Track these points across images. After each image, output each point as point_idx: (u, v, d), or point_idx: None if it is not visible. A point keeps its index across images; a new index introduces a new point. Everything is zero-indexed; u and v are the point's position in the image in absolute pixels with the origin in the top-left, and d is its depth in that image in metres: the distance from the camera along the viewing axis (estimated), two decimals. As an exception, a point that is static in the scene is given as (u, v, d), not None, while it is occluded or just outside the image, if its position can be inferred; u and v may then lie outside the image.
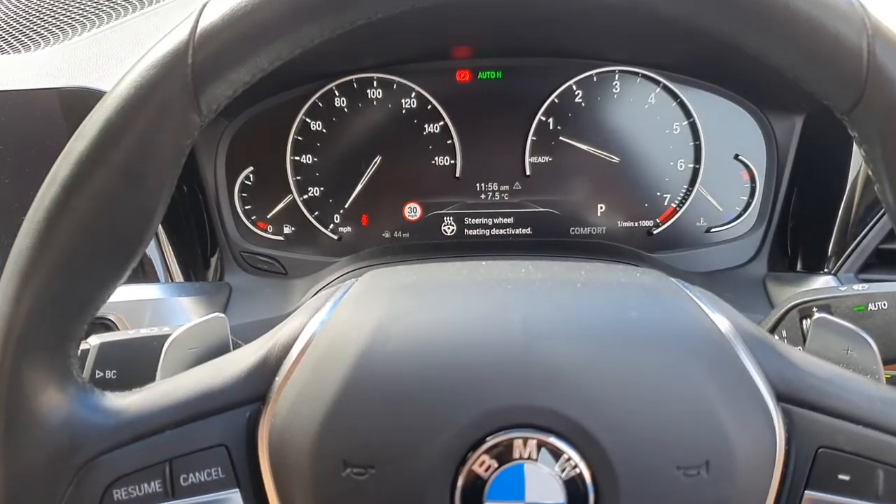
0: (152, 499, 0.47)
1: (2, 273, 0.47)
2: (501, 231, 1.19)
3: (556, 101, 1.15)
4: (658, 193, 1.18)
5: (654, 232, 1.18)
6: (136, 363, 0.66)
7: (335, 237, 1.19)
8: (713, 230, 1.18)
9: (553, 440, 0.43)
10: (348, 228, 1.19)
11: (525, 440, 0.43)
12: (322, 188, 1.18)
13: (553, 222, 1.18)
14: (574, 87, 1.15)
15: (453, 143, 1.16)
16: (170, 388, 0.50)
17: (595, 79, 1.15)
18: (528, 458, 0.43)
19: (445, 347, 0.46)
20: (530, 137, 1.16)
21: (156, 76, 0.45)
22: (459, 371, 0.45)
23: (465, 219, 1.19)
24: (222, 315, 0.61)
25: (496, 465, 0.43)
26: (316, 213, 1.18)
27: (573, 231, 1.18)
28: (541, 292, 0.51)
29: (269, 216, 1.18)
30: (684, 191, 1.17)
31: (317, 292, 1.09)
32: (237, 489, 0.48)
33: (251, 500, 0.48)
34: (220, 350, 0.60)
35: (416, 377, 0.45)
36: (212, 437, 0.48)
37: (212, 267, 1.18)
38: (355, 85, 1.16)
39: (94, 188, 0.46)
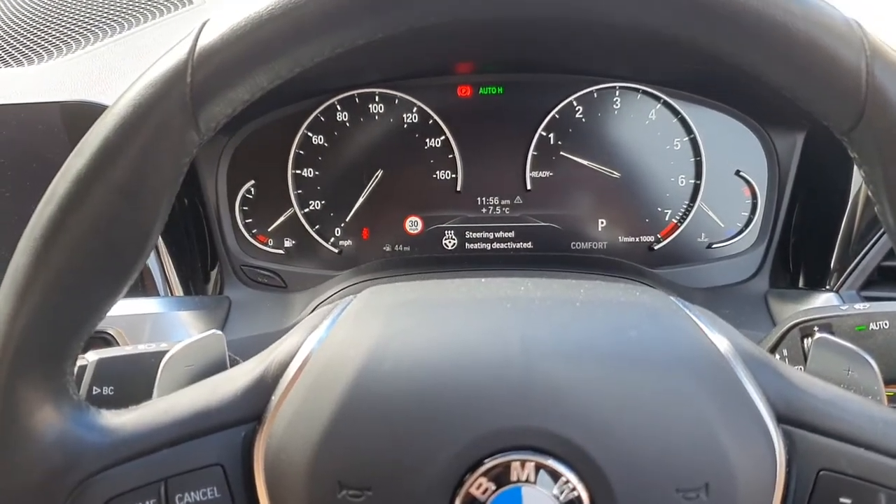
0: None
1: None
2: (502, 245, 1.18)
3: (557, 116, 1.15)
4: (659, 209, 1.17)
5: (656, 247, 1.18)
6: (134, 379, 0.66)
7: (336, 251, 1.18)
8: (714, 246, 1.18)
9: (551, 462, 0.43)
10: (349, 242, 1.19)
11: (523, 462, 0.43)
12: (323, 202, 1.18)
13: (554, 237, 1.18)
14: (574, 103, 1.15)
15: (454, 158, 1.16)
16: (166, 406, 0.49)
17: (596, 94, 1.15)
18: (527, 480, 0.43)
19: (443, 367, 0.45)
20: (531, 152, 1.16)
21: (154, 95, 0.45)
22: (457, 392, 0.44)
23: (467, 233, 1.19)
24: (219, 332, 0.61)
25: (494, 487, 0.43)
26: (317, 226, 1.18)
27: (574, 246, 1.18)
28: (540, 311, 0.50)
29: (269, 230, 1.18)
30: (685, 206, 1.17)
31: (317, 306, 1.09)
32: None
33: None
34: (216, 367, 0.60)
35: (414, 397, 0.44)
36: (208, 456, 0.48)
37: (211, 280, 1.18)
38: (357, 100, 1.16)
39: (91, 206, 0.46)
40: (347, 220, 1.18)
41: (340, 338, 0.49)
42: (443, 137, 1.16)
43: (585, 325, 0.49)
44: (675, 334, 0.48)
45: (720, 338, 0.48)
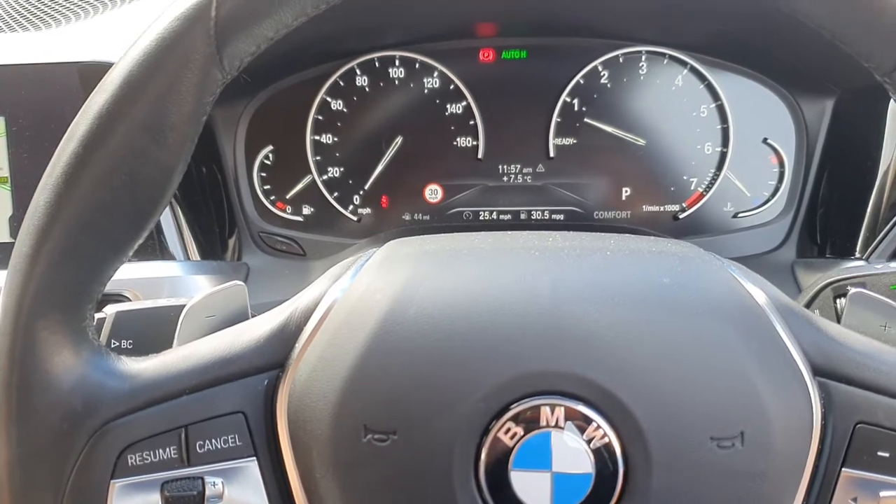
0: (167, 465, 0.46)
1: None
2: (523, 214, 1.17)
3: (582, 81, 1.13)
4: (684, 177, 1.15)
5: (681, 216, 1.16)
6: (153, 333, 0.65)
7: (355, 219, 1.17)
8: (741, 215, 1.16)
9: (581, 408, 0.42)
10: (368, 210, 1.17)
11: (553, 407, 0.42)
12: (342, 169, 1.16)
13: (576, 205, 1.16)
14: (600, 68, 1.13)
15: (476, 124, 1.14)
16: (187, 353, 0.49)
17: (621, 59, 1.13)
18: (556, 426, 0.42)
19: (470, 311, 0.44)
20: (555, 119, 1.14)
21: (178, 29, 0.44)
22: (485, 335, 0.43)
23: (487, 201, 1.17)
24: (241, 283, 0.60)
25: (522, 433, 0.42)
26: (336, 193, 1.17)
27: (597, 215, 1.16)
28: (569, 259, 0.49)
29: (288, 196, 1.17)
30: (711, 175, 1.15)
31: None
32: (254, 457, 0.47)
33: (268, 469, 0.47)
34: (238, 318, 0.59)
35: (441, 342, 0.43)
36: (229, 403, 0.47)
37: (229, 248, 1.17)
38: (377, 63, 1.14)
39: (114, 142, 0.45)
40: (367, 187, 1.17)
41: (365, 284, 0.47)
42: (464, 103, 1.14)
43: (617, 271, 0.48)
44: (710, 283, 0.47)
45: (755, 289, 0.47)
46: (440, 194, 1.17)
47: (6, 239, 0.99)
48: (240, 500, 0.47)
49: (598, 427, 0.41)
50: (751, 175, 1.15)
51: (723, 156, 1.14)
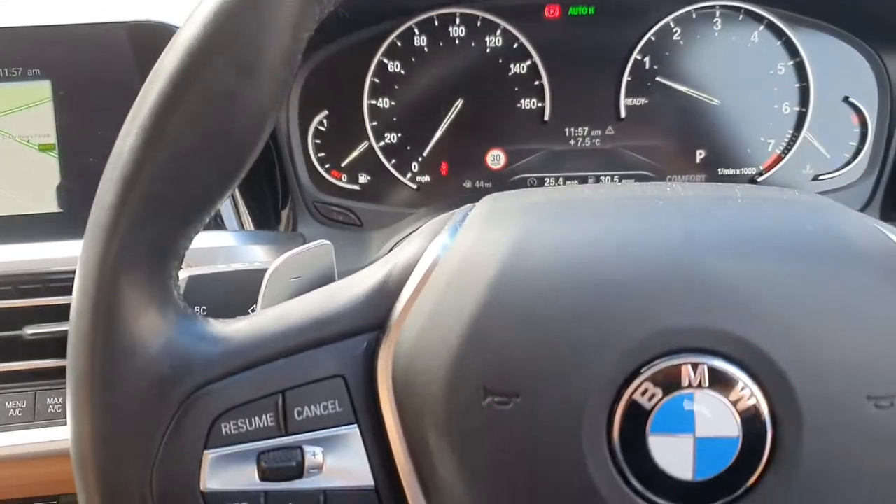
0: (264, 433, 0.43)
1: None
2: (591, 179, 1.11)
3: (653, 38, 1.07)
4: (761, 138, 1.10)
5: (759, 180, 1.10)
6: (228, 298, 0.62)
7: (414, 186, 1.12)
8: (821, 178, 1.10)
9: (727, 366, 0.38)
10: (427, 178, 1.12)
11: (695, 366, 0.38)
12: (400, 134, 1.11)
13: (648, 169, 1.10)
14: (672, 25, 1.07)
15: (542, 85, 1.09)
16: (280, 314, 0.45)
17: (694, 15, 1.07)
18: (699, 385, 0.38)
19: (598, 263, 0.40)
20: (625, 78, 1.08)
21: None
22: (617, 288, 0.39)
23: (553, 166, 1.11)
24: (328, 242, 0.57)
25: (661, 393, 0.38)
26: (393, 160, 1.11)
27: (670, 179, 1.11)
28: (697, 207, 0.44)
29: (343, 164, 1.12)
30: (789, 136, 1.09)
31: (395, 245, 1.03)
32: (355, 424, 0.44)
33: (370, 436, 0.44)
34: (325, 280, 0.56)
35: (567, 295, 0.39)
36: (328, 367, 0.44)
37: (283, 219, 1.12)
38: (436, 22, 1.08)
39: (205, 83, 0.41)
40: (425, 153, 1.11)
41: (472, 238, 0.43)
42: (529, 62, 1.08)
43: (754, 219, 0.43)
44: (858, 230, 0.42)
45: None
46: (503, 160, 1.11)
47: (54, 209, 0.93)
48: (341, 469, 0.44)
49: (745, 387, 0.38)
50: (831, 136, 1.10)
51: (801, 116, 1.09)
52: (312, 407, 0.43)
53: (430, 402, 0.41)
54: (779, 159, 1.10)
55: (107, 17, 0.95)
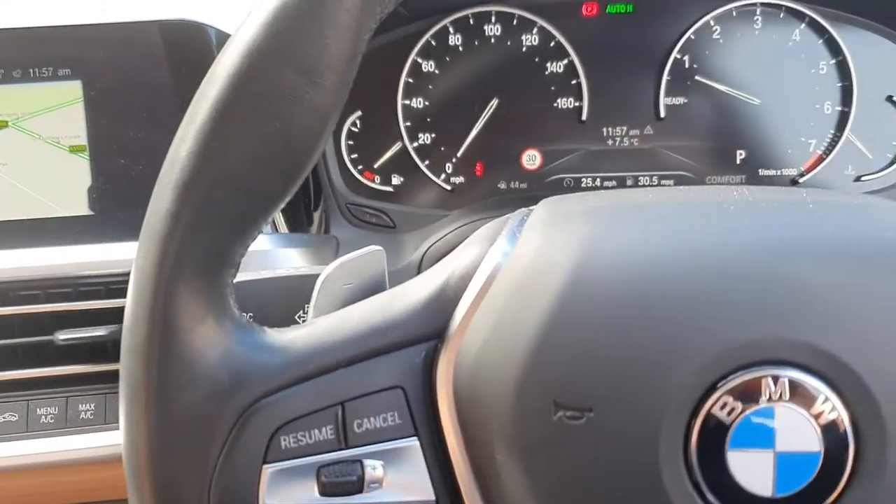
0: (323, 447, 0.42)
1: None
2: (629, 180, 1.09)
3: (693, 37, 1.05)
4: (802, 139, 1.08)
5: (800, 181, 1.08)
6: (274, 304, 0.61)
7: (448, 188, 1.10)
8: (863, 178, 1.08)
9: (808, 379, 0.37)
10: (461, 178, 1.10)
11: (776, 378, 0.37)
12: (434, 135, 1.09)
13: (687, 170, 1.08)
14: (712, 23, 1.05)
15: (579, 84, 1.07)
16: (335, 323, 0.44)
17: (734, 13, 1.05)
18: (779, 399, 0.37)
19: (671, 271, 0.39)
20: (665, 77, 1.06)
21: None
22: (693, 298, 0.38)
23: (590, 166, 1.09)
24: (380, 248, 0.56)
25: (741, 407, 0.37)
26: (427, 161, 1.10)
27: (709, 180, 1.09)
28: (769, 212, 0.43)
29: (376, 166, 1.10)
30: (831, 136, 1.07)
31: (430, 247, 1.02)
32: (415, 437, 0.43)
33: (430, 448, 0.43)
34: (376, 286, 0.55)
35: (642, 305, 0.38)
36: (387, 377, 0.43)
37: (315, 221, 1.10)
38: (471, 20, 1.07)
39: (266, 84, 0.40)
40: (460, 154, 1.09)
41: (535, 245, 0.42)
42: (566, 61, 1.06)
43: (830, 224, 0.42)
44: None
45: None
46: (539, 160, 1.09)
47: (85, 212, 0.92)
48: (401, 483, 0.43)
49: (827, 400, 0.37)
50: (873, 135, 1.07)
51: (844, 115, 1.06)
52: (372, 419, 0.42)
53: (497, 416, 0.40)
54: (820, 160, 1.07)
55: (139, 16, 0.94)
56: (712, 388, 0.37)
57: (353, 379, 0.43)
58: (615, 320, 0.38)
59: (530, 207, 0.47)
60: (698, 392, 0.37)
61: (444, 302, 0.43)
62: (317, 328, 0.44)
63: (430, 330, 0.43)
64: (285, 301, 0.60)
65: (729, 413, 0.37)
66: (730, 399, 0.37)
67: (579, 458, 0.38)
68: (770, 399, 0.37)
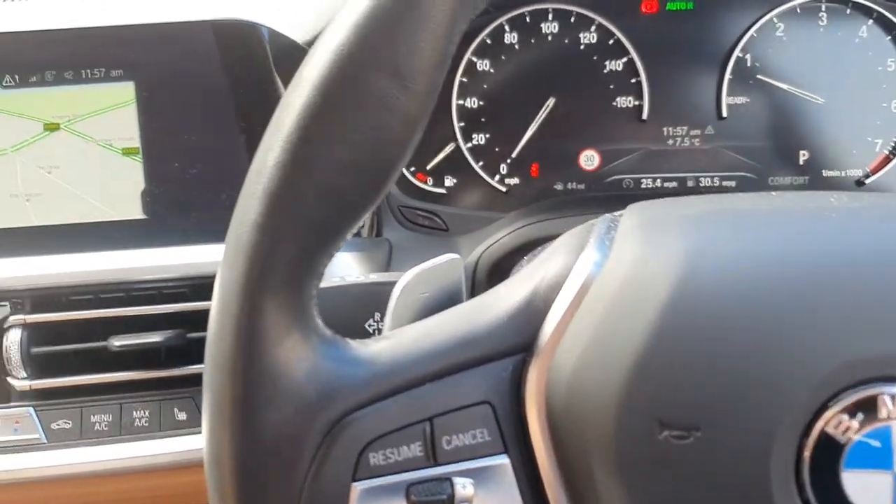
0: (413, 464, 0.41)
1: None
2: (690, 181, 1.06)
3: (755, 35, 1.03)
4: (868, 138, 1.05)
5: (866, 182, 1.05)
6: (345, 312, 0.59)
7: (503, 189, 1.07)
8: (932, 180, 1.05)
9: None
10: (516, 180, 1.08)
11: (893, 396, 0.35)
12: (488, 135, 1.07)
13: (749, 171, 1.06)
14: (775, 20, 1.03)
15: (639, 82, 1.04)
16: (419, 334, 0.43)
17: (798, 10, 1.02)
18: None
19: (784, 282, 0.37)
20: (727, 75, 1.03)
21: None
22: (806, 310, 0.36)
23: (650, 167, 1.07)
24: (457, 256, 0.54)
25: (857, 426, 0.35)
26: (481, 162, 1.07)
27: (772, 181, 1.06)
28: (876, 221, 0.41)
29: (429, 167, 1.08)
30: (899, 136, 1.04)
31: (485, 250, 1.00)
32: (505, 454, 0.41)
33: (520, 467, 0.41)
34: (453, 295, 0.54)
35: (752, 318, 0.37)
36: (475, 392, 0.41)
37: (366, 224, 1.08)
38: (528, 18, 1.04)
39: (357, 90, 0.39)
40: (515, 155, 1.07)
41: (632, 254, 0.40)
42: (625, 59, 1.04)
43: None
44: None
45: None
46: (597, 160, 1.07)
47: (138, 215, 0.90)
48: (491, 502, 0.41)
49: None
50: (944, 135, 1.05)
51: (912, 115, 1.04)
52: (461, 435, 0.41)
53: (597, 435, 0.38)
54: (887, 160, 1.04)
55: (192, 16, 0.92)
56: (826, 406, 0.36)
57: (440, 394, 0.42)
58: (724, 334, 0.37)
59: (615, 213, 0.46)
60: (812, 410, 0.36)
61: (532, 314, 0.42)
62: (401, 340, 0.43)
63: (517, 342, 0.42)
64: (356, 309, 0.59)
65: (844, 432, 0.36)
66: (845, 417, 0.36)
67: (685, 479, 0.37)
68: (889, 417, 0.35)
